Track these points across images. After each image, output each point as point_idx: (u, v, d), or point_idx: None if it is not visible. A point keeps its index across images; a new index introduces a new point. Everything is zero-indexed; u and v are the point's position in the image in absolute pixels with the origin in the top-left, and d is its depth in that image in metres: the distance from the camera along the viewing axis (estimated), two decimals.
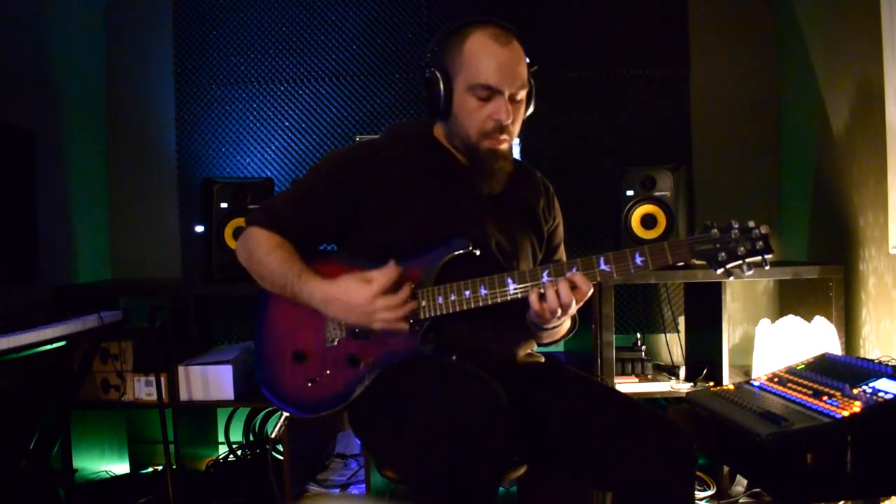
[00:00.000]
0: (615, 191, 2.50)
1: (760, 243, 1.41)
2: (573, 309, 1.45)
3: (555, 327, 1.56)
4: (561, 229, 1.77)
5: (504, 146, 1.55)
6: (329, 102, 2.99)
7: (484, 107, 1.51)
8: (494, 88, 1.49)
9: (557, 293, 1.41)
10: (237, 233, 2.47)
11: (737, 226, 1.42)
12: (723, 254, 1.41)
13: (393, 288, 1.46)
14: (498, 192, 1.59)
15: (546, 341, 1.67)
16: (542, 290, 1.44)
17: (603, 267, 1.44)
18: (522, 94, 1.53)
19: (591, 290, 1.44)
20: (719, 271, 1.43)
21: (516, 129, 1.56)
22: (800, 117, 2.80)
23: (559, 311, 1.43)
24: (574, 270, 1.44)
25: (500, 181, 1.58)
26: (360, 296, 1.45)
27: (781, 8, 2.89)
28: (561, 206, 1.77)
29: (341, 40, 2.98)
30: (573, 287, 1.43)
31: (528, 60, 1.55)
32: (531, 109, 1.60)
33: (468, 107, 1.51)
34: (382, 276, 1.45)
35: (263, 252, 1.56)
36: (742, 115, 2.96)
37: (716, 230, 1.42)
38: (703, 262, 1.44)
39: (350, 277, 1.48)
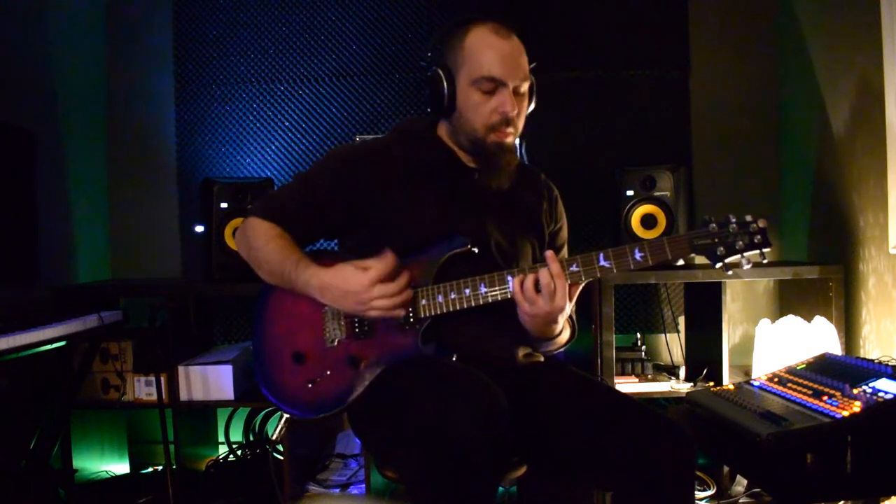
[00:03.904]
0: (615, 191, 2.50)
1: (758, 237, 1.41)
2: (560, 297, 1.43)
3: (549, 335, 1.54)
4: (564, 232, 1.76)
5: (510, 139, 1.55)
6: (329, 102, 2.99)
7: (489, 100, 1.50)
8: (498, 80, 1.49)
9: (538, 284, 1.41)
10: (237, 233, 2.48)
11: (734, 220, 1.42)
12: (721, 248, 1.41)
13: (390, 277, 1.45)
14: (506, 186, 1.59)
15: (544, 349, 1.65)
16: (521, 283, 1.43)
17: (602, 262, 1.44)
18: (525, 87, 1.53)
19: (567, 283, 1.43)
20: (718, 266, 1.42)
21: (521, 122, 1.56)
22: (800, 117, 2.80)
23: (540, 301, 1.42)
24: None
25: (508, 175, 1.59)
26: (357, 283, 1.44)
27: (781, 7, 2.89)
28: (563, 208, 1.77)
29: (341, 40, 2.98)
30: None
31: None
32: (532, 105, 1.59)
33: (473, 101, 1.51)
34: (379, 263, 1.45)
35: (262, 241, 1.56)
36: (742, 115, 2.96)
37: (714, 225, 1.42)
38: (703, 258, 1.44)
39: (346, 265, 1.48)
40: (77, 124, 2.82)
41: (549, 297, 1.42)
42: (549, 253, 1.44)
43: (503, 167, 1.57)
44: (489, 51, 1.48)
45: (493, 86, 1.49)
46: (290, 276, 1.52)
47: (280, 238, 1.56)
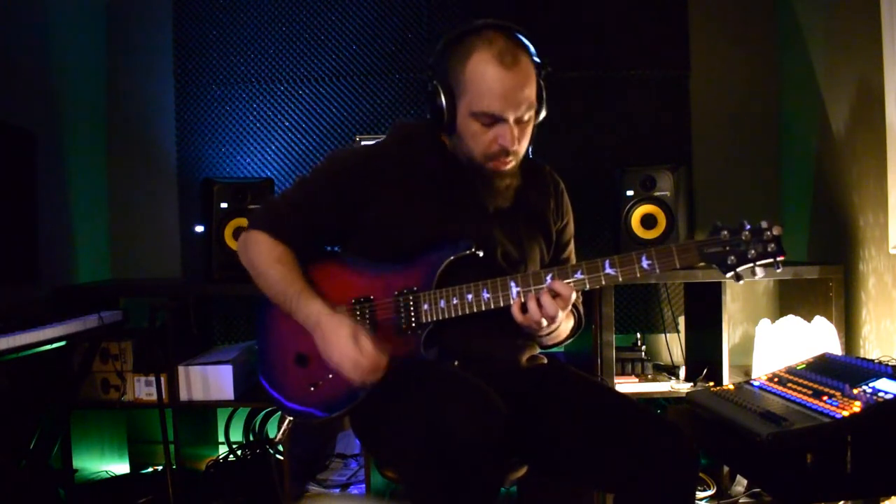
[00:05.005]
0: (615, 191, 2.50)
1: (773, 245, 1.37)
2: (561, 315, 1.42)
3: (549, 334, 1.54)
4: (570, 227, 1.73)
5: (509, 167, 1.51)
6: (329, 102, 2.99)
7: (488, 132, 1.45)
8: (498, 117, 1.44)
9: (539, 304, 1.40)
10: (237, 233, 2.47)
11: (748, 227, 1.38)
12: (732, 257, 1.38)
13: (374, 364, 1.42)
14: (505, 207, 1.56)
15: (548, 344, 1.65)
16: (522, 301, 1.42)
17: (608, 270, 1.41)
18: (529, 115, 1.47)
19: (574, 295, 1.42)
20: (729, 275, 1.38)
21: (523, 147, 1.51)
22: (800, 117, 2.80)
23: (544, 322, 1.41)
24: (549, 279, 1.41)
25: (507, 197, 1.55)
26: (345, 350, 1.41)
27: (781, 8, 2.89)
28: None
29: (341, 40, 2.98)
30: (555, 295, 1.40)
31: (538, 61, 1.49)
32: (543, 114, 1.53)
33: (471, 130, 1.47)
34: (373, 355, 1.41)
35: (265, 264, 1.55)
36: (742, 115, 2.96)
37: (726, 232, 1.38)
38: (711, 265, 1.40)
39: (347, 328, 1.43)
40: (77, 124, 2.82)
41: (550, 320, 1.41)
42: (556, 284, 1.41)
43: (502, 191, 1.54)
44: (491, 84, 1.41)
45: (492, 120, 1.44)
46: (292, 307, 1.51)
47: (282, 262, 1.54)
